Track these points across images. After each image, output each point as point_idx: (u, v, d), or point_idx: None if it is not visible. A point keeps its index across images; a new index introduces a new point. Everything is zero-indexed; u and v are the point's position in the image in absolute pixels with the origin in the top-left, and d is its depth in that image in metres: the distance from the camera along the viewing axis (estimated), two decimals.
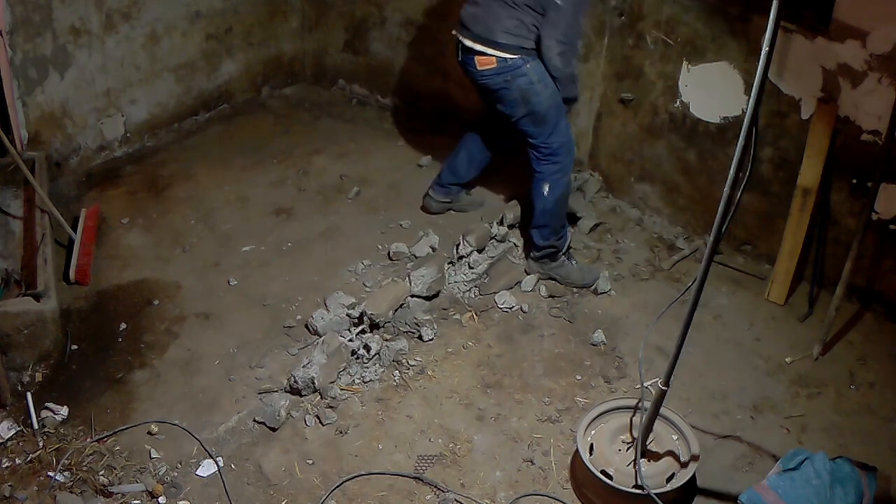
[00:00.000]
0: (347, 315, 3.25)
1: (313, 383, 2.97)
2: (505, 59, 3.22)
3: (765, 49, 1.94)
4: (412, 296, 3.37)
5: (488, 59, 3.24)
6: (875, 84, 3.10)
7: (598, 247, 3.82)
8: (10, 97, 3.65)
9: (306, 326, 3.27)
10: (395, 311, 3.30)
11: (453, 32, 3.36)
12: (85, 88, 3.99)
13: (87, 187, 4.06)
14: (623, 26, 3.72)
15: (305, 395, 2.99)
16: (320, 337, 3.15)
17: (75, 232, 3.55)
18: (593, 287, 3.56)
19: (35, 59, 3.73)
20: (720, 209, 2.14)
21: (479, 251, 3.62)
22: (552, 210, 3.45)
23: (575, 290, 3.56)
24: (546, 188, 3.41)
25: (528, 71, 3.23)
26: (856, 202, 3.33)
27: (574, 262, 3.61)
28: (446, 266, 3.53)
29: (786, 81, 3.33)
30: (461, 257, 3.57)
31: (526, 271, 3.63)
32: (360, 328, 3.22)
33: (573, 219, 3.86)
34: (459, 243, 3.58)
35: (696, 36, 3.51)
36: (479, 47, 3.24)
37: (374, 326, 3.25)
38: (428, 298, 3.42)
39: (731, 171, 2.09)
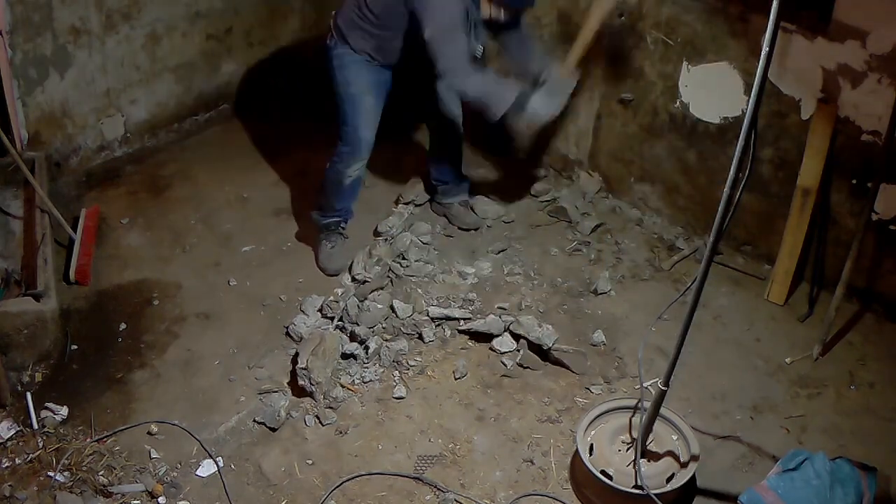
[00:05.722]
0: (319, 312, 3.29)
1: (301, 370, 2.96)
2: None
3: (765, 49, 1.94)
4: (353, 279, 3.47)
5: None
6: (875, 84, 3.09)
7: (598, 247, 3.81)
8: (10, 97, 3.65)
9: (287, 334, 3.27)
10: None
11: None
12: (85, 88, 3.98)
13: (87, 187, 4.05)
14: (623, 26, 3.72)
15: (305, 382, 2.96)
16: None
17: (75, 232, 3.55)
18: (330, 273, 3.59)
19: (35, 59, 3.72)
20: (720, 209, 2.14)
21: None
22: (322, 184, 3.58)
23: (580, 291, 3.55)
24: (328, 163, 3.52)
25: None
26: (856, 202, 3.33)
27: (331, 245, 3.62)
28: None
29: (786, 81, 3.32)
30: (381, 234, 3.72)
31: None
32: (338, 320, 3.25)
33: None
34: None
35: (696, 36, 3.51)
36: None
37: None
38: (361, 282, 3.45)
39: (731, 171, 2.08)
